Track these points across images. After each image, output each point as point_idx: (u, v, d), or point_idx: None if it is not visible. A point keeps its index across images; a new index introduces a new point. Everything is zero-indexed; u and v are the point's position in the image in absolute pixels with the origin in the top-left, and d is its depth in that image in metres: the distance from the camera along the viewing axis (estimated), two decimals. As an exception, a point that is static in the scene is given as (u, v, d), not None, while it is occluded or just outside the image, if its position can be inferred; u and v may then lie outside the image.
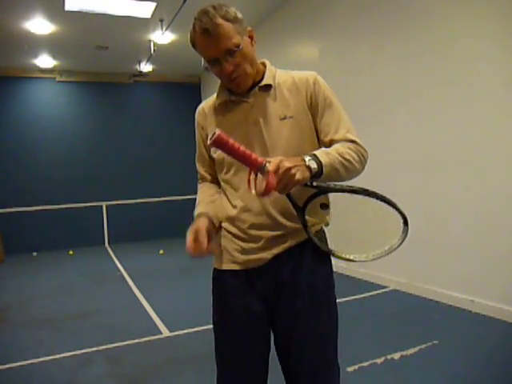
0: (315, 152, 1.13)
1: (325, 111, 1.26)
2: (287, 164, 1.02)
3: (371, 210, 1.15)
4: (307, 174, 1.06)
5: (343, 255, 1.19)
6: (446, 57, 3.44)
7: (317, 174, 1.09)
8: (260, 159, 1.05)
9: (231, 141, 1.04)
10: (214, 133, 1.03)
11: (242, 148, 1.05)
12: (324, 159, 1.11)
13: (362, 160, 1.22)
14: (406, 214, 1.11)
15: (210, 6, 1.17)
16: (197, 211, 1.30)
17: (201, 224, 1.21)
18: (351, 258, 1.18)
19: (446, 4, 3.43)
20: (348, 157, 1.17)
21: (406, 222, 1.12)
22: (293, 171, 1.02)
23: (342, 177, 1.18)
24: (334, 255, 1.22)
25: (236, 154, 1.05)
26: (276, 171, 1.01)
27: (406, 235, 1.14)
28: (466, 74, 3.29)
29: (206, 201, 1.35)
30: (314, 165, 1.08)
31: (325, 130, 1.26)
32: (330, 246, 1.24)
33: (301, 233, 1.25)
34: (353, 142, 1.23)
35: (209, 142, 1.05)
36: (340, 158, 1.15)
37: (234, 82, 1.23)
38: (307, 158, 1.08)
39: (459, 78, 3.36)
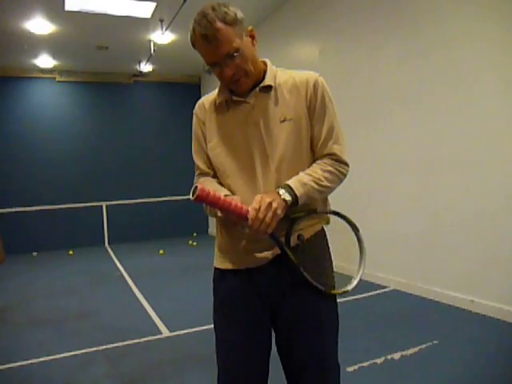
0: (291, 184, 1.18)
1: (319, 116, 1.26)
2: (267, 199, 1.11)
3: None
4: (283, 206, 1.14)
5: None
6: (446, 57, 3.44)
7: (292, 205, 1.16)
8: (244, 209, 1.11)
9: (213, 193, 1.08)
10: (196, 187, 1.06)
11: (227, 200, 1.10)
12: (299, 191, 1.17)
13: (341, 177, 1.28)
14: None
15: (210, 7, 1.15)
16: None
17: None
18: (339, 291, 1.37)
19: (445, 5, 3.43)
20: (325, 182, 1.22)
21: (356, 229, 1.29)
22: (274, 205, 1.11)
23: (317, 199, 1.27)
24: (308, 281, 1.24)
25: (220, 206, 1.10)
26: (256, 215, 1.09)
27: (361, 242, 1.32)
28: (466, 74, 3.30)
29: (218, 188, 1.27)
30: (288, 197, 1.15)
31: (316, 138, 1.28)
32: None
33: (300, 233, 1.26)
34: (334, 155, 1.26)
35: (191, 197, 1.07)
36: (316, 187, 1.21)
37: (235, 84, 1.23)
38: (282, 192, 1.15)
39: (459, 78, 3.36)
